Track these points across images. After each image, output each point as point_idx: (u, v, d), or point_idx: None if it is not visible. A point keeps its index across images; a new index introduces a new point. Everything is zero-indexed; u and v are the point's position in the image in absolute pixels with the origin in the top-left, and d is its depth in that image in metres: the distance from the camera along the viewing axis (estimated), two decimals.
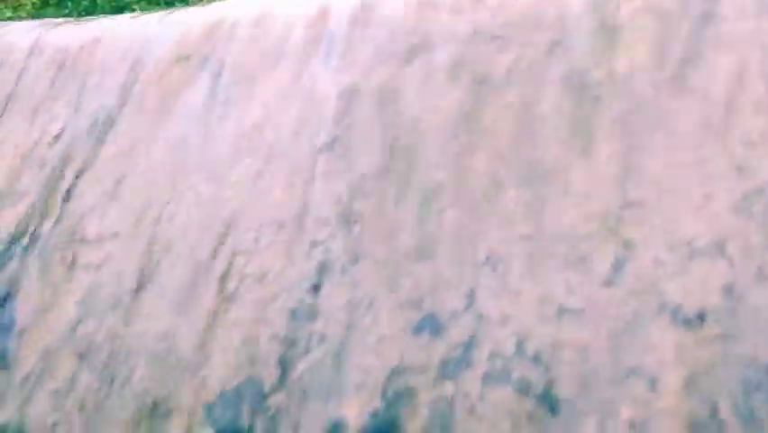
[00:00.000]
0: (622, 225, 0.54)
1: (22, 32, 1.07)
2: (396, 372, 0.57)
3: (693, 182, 0.53)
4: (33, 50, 1.02)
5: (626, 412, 0.49)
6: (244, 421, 0.62)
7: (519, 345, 0.54)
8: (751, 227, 0.50)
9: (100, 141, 0.89)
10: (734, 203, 0.51)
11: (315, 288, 0.64)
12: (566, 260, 0.55)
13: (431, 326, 0.58)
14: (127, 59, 0.90)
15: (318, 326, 0.62)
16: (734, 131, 0.53)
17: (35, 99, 0.97)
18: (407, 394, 0.56)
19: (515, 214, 0.58)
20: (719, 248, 0.50)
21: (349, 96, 0.70)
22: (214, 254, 0.71)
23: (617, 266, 0.53)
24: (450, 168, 0.62)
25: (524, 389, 0.53)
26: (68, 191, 0.88)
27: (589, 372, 0.51)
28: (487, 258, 0.58)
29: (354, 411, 0.57)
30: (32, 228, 0.88)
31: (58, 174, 0.90)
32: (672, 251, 0.52)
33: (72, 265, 0.82)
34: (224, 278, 0.70)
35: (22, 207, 0.90)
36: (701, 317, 0.50)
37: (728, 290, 0.49)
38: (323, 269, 0.64)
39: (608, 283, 0.53)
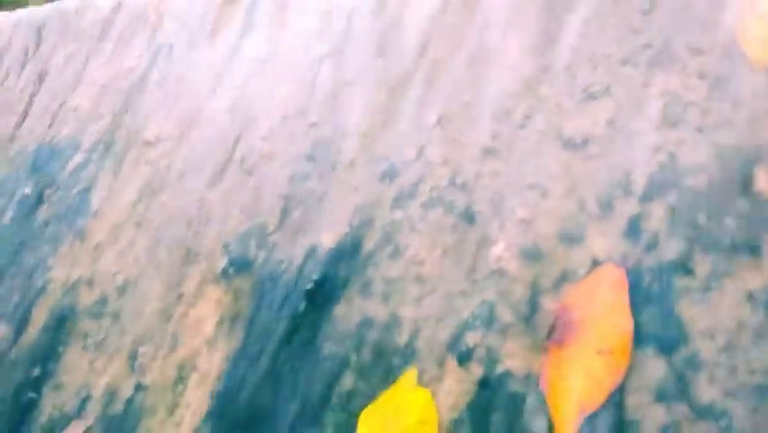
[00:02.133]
0: (538, 83, 0.67)
1: None
2: (360, 208, 0.73)
3: (596, 45, 0.65)
4: (115, 7, 1.26)
5: (520, 213, 0.62)
6: (251, 253, 0.79)
7: (451, 179, 0.68)
8: (635, 74, 0.62)
9: (160, 70, 1.10)
10: (623, 57, 0.64)
11: (310, 157, 0.81)
12: (495, 115, 0.69)
13: (390, 174, 0.73)
14: (191, 6, 1.11)
15: (310, 184, 0.79)
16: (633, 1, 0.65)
17: (116, 43, 1.20)
18: (368, 222, 0.72)
19: (462, 86, 0.72)
20: (608, 91, 0.62)
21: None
22: (236, 142, 0.90)
23: (529, 113, 0.67)
24: (417, 60, 0.78)
25: (450, 209, 0.67)
26: (135, 108, 1.09)
27: (499, 191, 0.65)
28: (438, 119, 0.72)
29: (328, 237, 0.73)
30: (107, 138, 1.10)
31: (127, 96, 1.12)
32: (572, 97, 0.64)
33: (136, 162, 1.03)
34: (243, 159, 0.88)
35: (102, 123, 1.13)
36: (585, 142, 0.62)
37: (610, 122, 0.62)
38: (316, 143, 0.81)
39: (522, 127, 0.67)
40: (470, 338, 0.58)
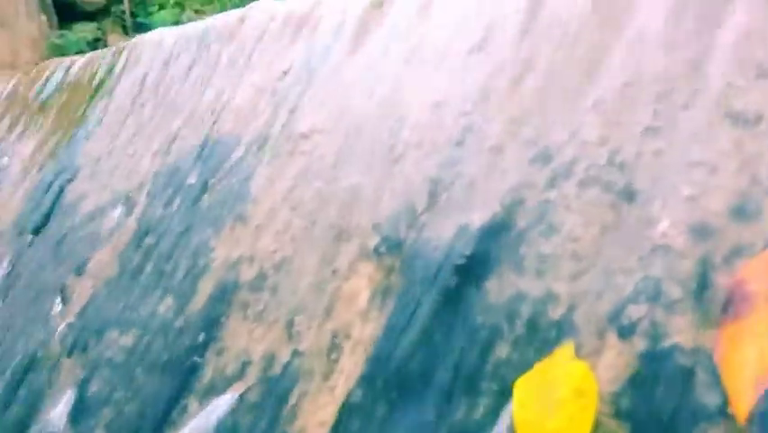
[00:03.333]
0: (704, 63, 0.66)
1: (261, 7, 1.45)
2: (511, 189, 0.74)
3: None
4: (271, 16, 1.38)
5: (686, 190, 0.61)
6: (401, 232, 0.83)
7: (610, 159, 0.68)
8: None
9: (313, 70, 1.19)
10: None
11: (459, 143, 0.84)
12: (657, 95, 0.68)
13: (542, 156, 0.74)
14: (339, 10, 1.20)
15: (459, 168, 0.82)
16: None
17: (272, 48, 1.31)
18: (519, 202, 0.73)
19: (620, 69, 0.72)
20: None
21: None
22: (386, 133, 0.95)
23: (695, 92, 0.65)
24: (572, 46, 0.79)
25: (609, 188, 0.67)
26: (289, 105, 1.18)
27: (662, 170, 0.64)
28: (593, 103, 0.73)
29: (478, 217, 0.76)
30: (264, 132, 1.20)
31: (282, 95, 1.21)
32: (743, 75, 0.62)
33: (291, 153, 1.11)
34: (392, 148, 0.93)
35: (259, 120, 1.24)
36: (759, 119, 0.60)
37: None
38: (465, 130, 0.85)
39: (686, 106, 0.65)
40: (634, 312, 0.57)
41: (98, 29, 8.66)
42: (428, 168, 0.85)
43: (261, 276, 0.99)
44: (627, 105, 0.69)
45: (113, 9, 9.05)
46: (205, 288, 1.08)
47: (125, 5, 8.89)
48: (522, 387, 0.60)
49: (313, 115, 1.13)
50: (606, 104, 0.71)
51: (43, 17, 9.40)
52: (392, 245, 0.83)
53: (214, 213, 1.18)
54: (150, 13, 7.60)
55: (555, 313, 0.63)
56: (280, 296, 0.95)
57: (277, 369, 0.87)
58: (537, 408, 0.58)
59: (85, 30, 8.52)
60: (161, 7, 7.74)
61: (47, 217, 1.66)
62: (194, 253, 1.15)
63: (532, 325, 0.64)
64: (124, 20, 8.79)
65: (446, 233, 0.78)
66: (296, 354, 0.86)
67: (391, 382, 0.72)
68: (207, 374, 0.96)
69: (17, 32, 9.27)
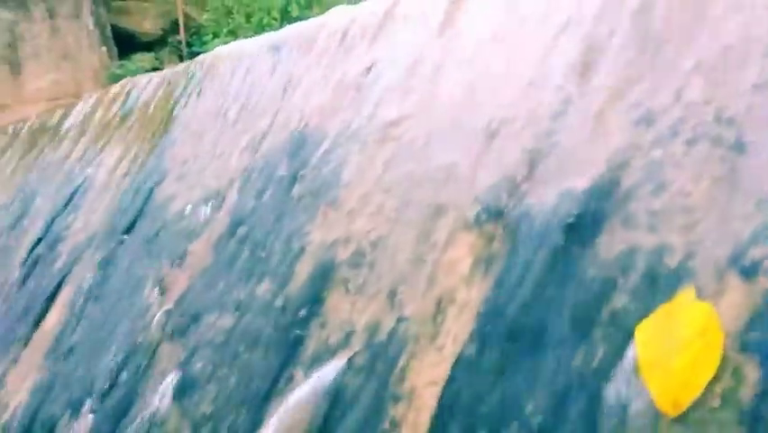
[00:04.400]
0: None
1: (340, 13, 1.52)
2: (616, 152, 0.77)
3: None
4: (351, 20, 1.46)
5: None
6: (502, 202, 0.87)
7: (716, 116, 0.71)
8: None
9: (398, 63, 1.24)
10: None
11: (556, 114, 0.88)
12: (764, 52, 0.70)
13: (647, 118, 0.77)
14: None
15: (557, 138, 0.86)
16: None
17: (352, 49, 1.38)
18: (624, 163, 0.76)
19: (722, 33, 0.75)
20: None
21: None
22: (478, 111, 0.99)
23: None
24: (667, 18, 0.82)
25: (718, 142, 0.69)
26: (373, 98, 1.24)
27: None
28: (695, 64, 0.75)
29: (582, 180, 0.78)
30: (352, 125, 1.26)
31: (369, 90, 1.27)
32: None
33: (381, 141, 1.17)
34: (487, 125, 0.97)
35: (346, 115, 1.30)
36: None
37: None
38: (563, 103, 0.88)
39: None
40: (756, 253, 0.59)
41: (156, 58, 9.08)
42: (526, 140, 0.89)
43: (359, 254, 1.04)
44: (731, 66, 0.71)
45: (169, 39, 9.48)
46: (303, 269, 1.13)
47: (181, 36, 9.30)
48: (644, 330, 0.63)
49: (400, 103, 1.18)
50: (708, 65, 0.73)
51: (104, 49, 9.88)
52: (493, 214, 0.87)
53: (306, 201, 1.24)
54: (205, 42, 7.93)
55: (672, 262, 0.65)
56: (379, 270, 0.99)
57: (382, 336, 0.91)
58: (661, 348, 0.60)
59: (143, 60, 8.95)
60: (215, 36, 8.07)
61: (137, 218, 1.76)
62: (288, 238, 1.21)
63: (648, 274, 0.66)
64: (180, 49, 9.19)
65: (549, 198, 0.81)
66: (400, 320, 0.90)
67: (505, 336, 0.74)
68: (311, 346, 1.00)
69: (80, 64, 9.75)
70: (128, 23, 9.37)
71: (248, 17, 7.67)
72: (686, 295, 0.62)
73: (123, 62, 9.77)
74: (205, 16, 8.71)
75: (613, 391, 0.62)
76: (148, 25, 9.64)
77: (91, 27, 10.24)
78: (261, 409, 1.00)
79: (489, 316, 0.78)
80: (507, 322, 0.75)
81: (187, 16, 9.43)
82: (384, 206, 1.07)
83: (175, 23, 9.38)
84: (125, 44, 9.46)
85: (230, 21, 8.54)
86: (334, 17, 1.57)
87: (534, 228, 0.80)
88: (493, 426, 0.69)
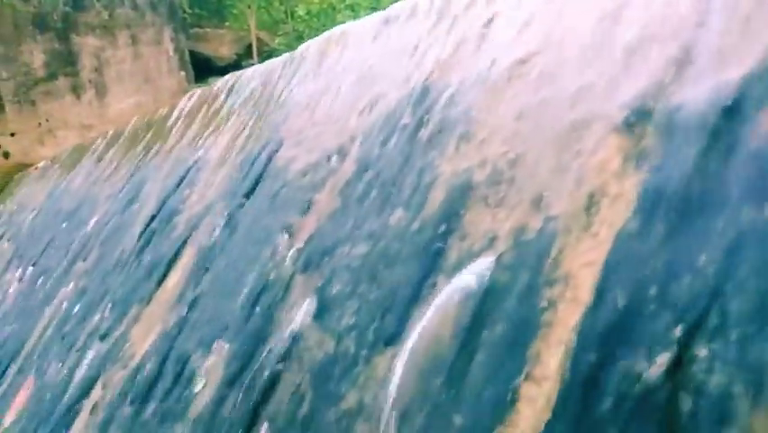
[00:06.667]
0: None
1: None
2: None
3: None
4: (381, 21, 1.55)
5: None
6: (649, 105, 0.92)
7: None
8: None
9: (521, 7, 1.32)
10: None
11: (700, 24, 0.93)
12: None
13: None
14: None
15: (703, 44, 0.91)
16: None
17: (474, 7, 1.46)
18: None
19: None
20: None
21: None
22: (617, 35, 1.05)
23: None
24: None
25: None
26: (502, 43, 1.31)
27: None
28: None
29: (737, 70, 0.83)
30: (477, 70, 1.33)
31: (493, 38, 1.35)
32: None
33: (509, 78, 1.24)
34: (625, 45, 1.03)
35: (470, 62, 1.38)
36: None
37: None
38: (705, 13, 0.93)
39: None
40: None
41: None
42: (669, 50, 0.95)
43: (497, 173, 1.11)
44: None
45: (243, 63, 9.98)
46: (437, 195, 1.21)
47: (254, 59, 9.78)
48: None
49: (526, 43, 1.26)
50: None
51: (182, 73, 10.46)
52: (641, 115, 0.92)
53: (435, 140, 1.32)
54: None
55: None
56: (520, 184, 1.05)
57: (530, 234, 0.96)
58: None
59: None
60: None
61: (257, 182, 1.89)
62: (419, 172, 1.29)
63: None
64: None
65: (701, 92, 0.86)
66: (548, 219, 0.95)
67: (667, 210, 0.79)
68: (453, 255, 1.07)
69: (160, 87, 10.34)
70: (205, 49, 9.95)
71: None
72: None
73: (200, 85, 10.39)
74: (277, 41, 9.13)
75: None
76: (224, 50, 10.23)
77: (171, 53, 10.86)
78: (407, 314, 1.07)
79: (648, 195, 0.83)
80: (668, 197, 0.80)
81: (260, 41, 9.95)
82: (519, 130, 1.14)
83: (249, 48, 9.92)
84: (202, 68, 10.00)
85: (301, 44, 8.90)
86: None
87: (688, 119, 0.85)
88: (663, 283, 0.74)
